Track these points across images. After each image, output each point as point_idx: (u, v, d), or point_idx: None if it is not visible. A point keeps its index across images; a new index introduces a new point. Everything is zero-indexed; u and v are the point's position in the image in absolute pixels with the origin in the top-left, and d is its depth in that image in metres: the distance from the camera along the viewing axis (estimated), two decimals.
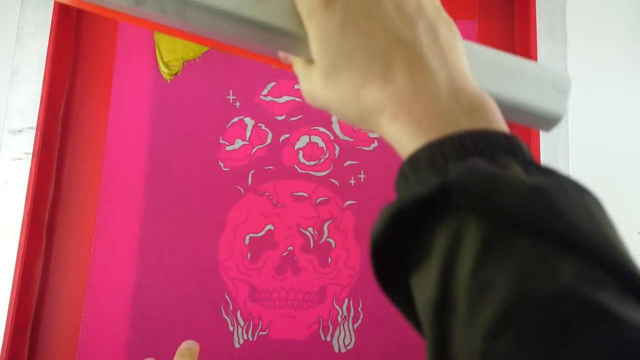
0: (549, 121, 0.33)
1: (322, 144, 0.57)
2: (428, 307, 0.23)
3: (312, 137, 0.57)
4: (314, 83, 0.29)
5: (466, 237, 0.22)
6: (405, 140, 0.25)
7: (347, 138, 0.57)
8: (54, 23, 0.55)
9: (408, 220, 0.23)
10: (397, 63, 0.26)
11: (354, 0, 0.27)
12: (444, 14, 0.28)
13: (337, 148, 0.57)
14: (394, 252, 0.24)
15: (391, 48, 0.26)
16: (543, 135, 0.54)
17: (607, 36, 0.59)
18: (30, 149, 0.53)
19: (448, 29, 0.27)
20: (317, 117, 0.58)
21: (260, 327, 0.54)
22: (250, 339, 0.54)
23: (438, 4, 0.29)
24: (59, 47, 0.56)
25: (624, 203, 0.56)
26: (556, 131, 0.54)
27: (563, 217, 0.21)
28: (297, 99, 0.58)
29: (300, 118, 0.58)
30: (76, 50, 0.59)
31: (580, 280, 0.20)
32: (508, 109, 0.32)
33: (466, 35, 0.59)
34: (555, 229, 0.21)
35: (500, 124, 0.25)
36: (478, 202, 0.22)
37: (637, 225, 0.56)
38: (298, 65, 0.30)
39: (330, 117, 0.58)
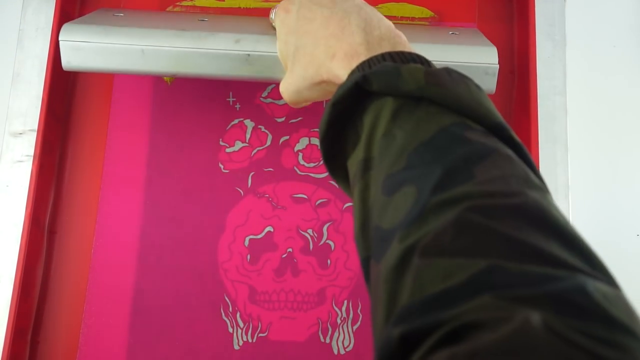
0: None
1: None
2: (357, 171, 0.30)
3: (311, 139, 0.58)
4: (286, 76, 0.40)
5: (382, 113, 0.30)
6: (343, 73, 0.34)
7: None
8: (55, 26, 0.55)
9: (345, 113, 0.32)
10: (333, 27, 0.36)
11: (303, 4, 0.39)
12: (370, 6, 0.38)
13: None
14: (338, 144, 0.33)
15: (327, 19, 0.37)
16: (542, 136, 0.54)
17: (607, 39, 0.59)
18: (31, 151, 0.53)
19: (372, 9, 0.38)
20: (317, 119, 0.58)
21: (259, 328, 0.54)
22: (250, 340, 0.54)
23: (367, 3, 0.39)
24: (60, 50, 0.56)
25: (624, 204, 0.56)
26: (555, 132, 0.54)
27: (447, 90, 0.29)
28: None
29: (300, 120, 0.58)
30: None
31: (454, 125, 0.28)
32: None
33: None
34: (441, 98, 0.29)
35: (413, 51, 0.34)
36: (388, 85, 0.30)
37: (636, 227, 0.56)
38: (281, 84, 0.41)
39: None
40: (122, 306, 0.54)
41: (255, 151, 0.57)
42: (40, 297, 0.54)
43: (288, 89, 0.40)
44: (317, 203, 0.56)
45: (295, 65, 0.39)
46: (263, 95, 0.59)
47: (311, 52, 0.37)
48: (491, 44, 0.48)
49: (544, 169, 0.53)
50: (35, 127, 0.54)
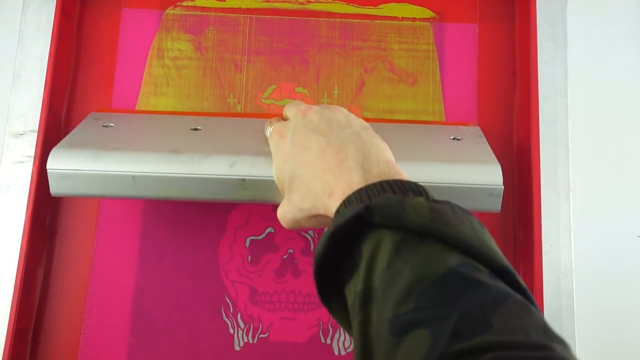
0: (488, 211, 0.45)
1: None
2: (355, 301, 0.30)
3: None
4: (284, 203, 0.40)
5: (383, 244, 0.29)
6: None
7: None
8: (55, 26, 0.55)
9: (342, 241, 0.31)
10: (329, 159, 0.36)
11: (298, 130, 0.39)
12: (370, 130, 0.39)
13: None
14: (333, 271, 0.32)
15: (323, 150, 0.37)
16: (543, 137, 0.54)
17: (608, 40, 0.59)
18: (32, 152, 0.53)
19: (371, 135, 0.38)
20: None
21: (260, 329, 0.54)
22: (251, 341, 0.54)
23: (367, 125, 0.40)
24: (61, 51, 0.56)
25: (624, 206, 0.56)
26: (556, 134, 0.54)
27: (452, 227, 0.29)
28: None
29: None
30: (78, 54, 0.59)
31: (463, 265, 0.27)
32: None
33: (467, 39, 0.59)
34: (446, 235, 0.28)
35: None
36: (392, 218, 0.29)
37: (636, 228, 0.56)
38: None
39: None
40: (122, 307, 0.54)
41: None
42: (41, 298, 0.54)
43: (285, 216, 0.40)
44: None
45: (292, 195, 0.38)
46: (264, 96, 0.59)
47: (307, 185, 0.37)
48: (495, 159, 0.46)
49: (545, 170, 0.53)
50: (36, 127, 0.54)
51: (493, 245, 0.29)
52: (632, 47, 0.59)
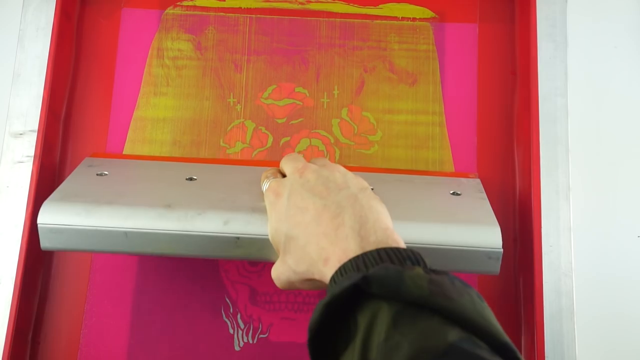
0: (487, 273, 0.44)
1: (322, 147, 0.57)
2: None
3: (312, 140, 0.58)
4: (278, 263, 0.39)
5: (380, 315, 0.29)
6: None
7: (347, 141, 0.58)
8: (55, 26, 0.55)
9: (337, 311, 0.31)
10: (325, 224, 0.35)
11: (294, 190, 0.39)
12: (368, 191, 0.39)
13: (338, 151, 0.57)
14: (327, 340, 0.31)
15: (319, 213, 0.36)
16: (543, 138, 0.54)
17: (608, 40, 0.59)
18: (32, 152, 0.53)
19: (369, 198, 0.37)
20: (318, 120, 0.58)
21: (260, 329, 0.54)
22: (251, 341, 0.54)
23: (365, 185, 0.39)
24: (61, 50, 0.56)
25: (624, 206, 0.56)
26: (556, 134, 0.54)
27: (451, 301, 0.28)
28: (297, 102, 0.58)
29: (300, 121, 0.58)
30: (78, 53, 0.59)
31: (464, 340, 0.27)
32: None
33: (467, 39, 0.59)
34: (445, 309, 0.28)
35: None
36: (390, 290, 0.29)
37: (636, 228, 0.56)
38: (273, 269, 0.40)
39: (330, 120, 0.58)
40: (122, 307, 0.54)
41: (256, 152, 0.57)
42: (40, 298, 0.54)
43: (280, 277, 0.39)
44: None
45: (287, 256, 0.38)
46: (264, 96, 0.59)
47: (303, 248, 0.36)
48: (494, 219, 0.46)
49: (545, 170, 0.53)
50: (36, 127, 0.54)
51: (493, 319, 0.29)
52: (633, 47, 0.59)
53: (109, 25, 0.60)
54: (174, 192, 0.46)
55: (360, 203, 0.36)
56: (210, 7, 0.61)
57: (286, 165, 0.43)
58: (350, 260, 0.32)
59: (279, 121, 0.58)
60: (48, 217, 0.43)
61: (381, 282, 0.29)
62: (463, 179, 0.52)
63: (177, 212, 0.43)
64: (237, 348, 0.54)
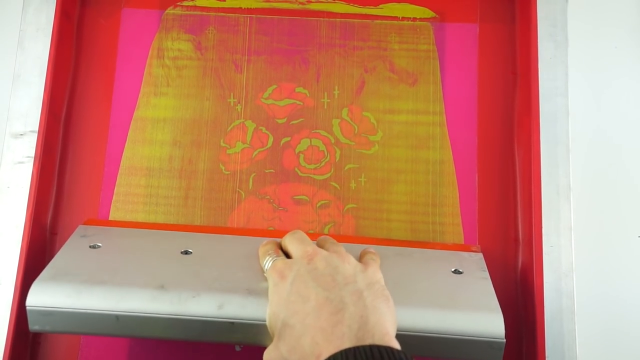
0: None
1: (322, 147, 0.57)
2: None
3: (312, 140, 0.58)
4: (271, 348, 0.38)
5: None
6: None
7: (348, 141, 0.58)
8: (55, 27, 0.55)
9: None
10: (324, 318, 0.35)
11: (300, 275, 0.38)
12: (377, 286, 0.38)
13: (338, 151, 0.57)
14: None
15: (320, 306, 0.36)
16: (544, 137, 0.54)
17: (609, 40, 0.59)
18: (32, 152, 0.53)
19: (375, 296, 0.37)
20: (318, 120, 0.58)
21: None
22: None
23: (375, 279, 0.39)
24: (61, 51, 0.56)
25: (625, 206, 0.56)
26: (557, 134, 0.54)
27: None
28: (298, 102, 0.58)
29: (301, 121, 0.58)
30: (78, 54, 0.59)
31: None
32: None
33: (467, 39, 0.59)
34: None
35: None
36: None
37: (637, 228, 0.56)
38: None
39: (331, 120, 0.58)
40: None
41: (256, 152, 0.57)
42: None
43: None
44: (318, 205, 0.56)
45: (281, 343, 0.37)
46: (264, 96, 0.59)
47: (298, 338, 0.36)
48: (497, 305, 0.44)
49: (545, 170, 0.53)
50: (36, 128, 0.54)
51: None
52: (633, 47, 0.59)
53: (109, 25, 0.60)
54: (168, 269, 0.45)
55: (364, 302, 0.36)
56: (210, 7, 0.60)
57: (293, 245, 0.43)
58: (341, 352, 0.32)
59: (280, 121, 0.58)
60: (37, 299, 0.42)
61: None
62: (465, 254, 0.51)
63: (171, 294, 0.42)
64: (237, 348, 0.54)
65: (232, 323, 0.42)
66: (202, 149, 0.57)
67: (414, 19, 0.60)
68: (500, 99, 0.58)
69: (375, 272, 0.40)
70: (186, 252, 0.48)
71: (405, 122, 0.58)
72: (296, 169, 0.57)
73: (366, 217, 0.56)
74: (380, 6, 0.60)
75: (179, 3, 0.61)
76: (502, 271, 0.54)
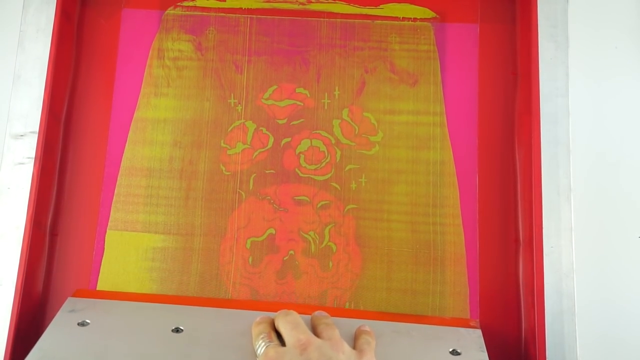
0: None
1: (323, 147, 0.57)
2: None
3: (313, 140, 0.58)
4: None
5: None
6: None
7: (348, 142, 0.58)
8: (55, 27, 0.55)
9: None
10: None
11: None
12: None
13: (339, 152, 0.57)
14: None
15: None
16: (544, 138, 0.54)
17: (609, 40, 0.59)
18: (33, 153, 0.53)
19: None
20: (319, 121, 0.58)
21: None
22: None
23: None
24: (61, 52, 0.56)
25: (625, 206, 0.56)
26: (557, 134, 0.54)
27: None
28: (298, 103, 0.58)
29: (301, 122, 0.58)
30: (78, 54, 0.59)
31: None
32: None
33: (468, 39, 0.59)
34: None
35: None
36: None
37: (637, 228, 0.56)
38: None
39: (331, 121, 0.58)
40: None
41: (256, 153, 0.57)
42: (41, 300, 0.54)
43: None
44: (318, 205, 0.56)
45: None
46: (265, 97, 0.59)
47: None
48: None
49: (546, 171, 0.53)
50: (36, 129, 0.54)
51: None
52: (633, 47, 0.59)
53: (110, 26, 0.60)
54: (158, 350, 0.45)
55: None
56: (210, 8, 0.60)
57: (286, 330, 0.42)
58: None
59: (280, 122, 0.58)
60: None
61: None
62: (463, 330, 0.50)
63: None
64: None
65: None
66: (203, 150, 0.57)
67: (415, 19, 0.60)
68: (501, 100, 0.58)
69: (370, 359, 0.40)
70: (177, 330, 0.47)
71: (406, 123, 0.58)
72: (297, 170, 0.57)
73: (367, 218, 0.56)
74: (381, 6, 0.60)
75: (179, 3, 0.61)
76: (503, 272, 0.54)
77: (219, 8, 0.60)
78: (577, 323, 0.50)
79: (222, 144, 0.57)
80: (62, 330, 0.47)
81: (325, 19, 0.60)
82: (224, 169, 0.57)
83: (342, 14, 0.60)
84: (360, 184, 0.57)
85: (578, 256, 0.52)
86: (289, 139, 0.58)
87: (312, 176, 0.57)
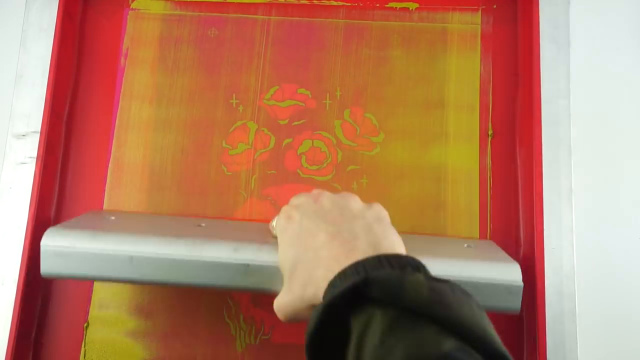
0: (508, 310, 0.44)
1: (324, 148, 0.57)
2: None
3: (314, 141, 0.58)
4: (283, 294, 0.38)
5: (376, 320, 0.29)
6: None
7: (349, 143, 0.58)
8: (58, 27, 0.55)
9: (335, 315, 0.30)
10: (336, 248, 0.35)
11: (307, 214, 0.38)
12: (386, 220, 0.38)
13: (340, 153, 0.57)
14: (326, 346, 0.31)
15: (331, 239, 0.36)
16: (545, 140, 0.54)
17: (611, 42, 0.59)
18: (35, 153, 0.53)
19: (384, 228, 0.37)
20: (320, 121, 0.58)
21: (262, 331, 0.54)
22: (253, 342, 0.54)
23: (382, 215, 0.39)
24: (63, 51, 0.56)
25: (627, 208, 0.56)
26: (559, 136, 0.54)
27: (450, 310, 0.28)
28: (300, 104, 0.58)
29: (303, 123, 0.58)
30: (80, 54, 0.59)
31: (459, 351, 0.26)
32: None
33: (468, 40, 0.59)
34: (443, 317, 0.28)
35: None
36: (389, 294, 0.29)
37: (638, 230, 0.56)
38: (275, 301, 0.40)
39: (332, 121, 0.58)
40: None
41: (258, 153, 0.57)
42: (43, 299, 0.54)
43: (285, 309, 0.38)
44: None
45: (293, 282, 0.37)
46: (266, 97, 0.59)
47: (310, 272, 0.35)
48: (512, 259, 0.46)
49: (547, 172, 0.53)
50: (39, 128, 0.54)
51: (491, 330, 0.29)
52: (635, 48, 0.59)
53: (112, 26, 0.60)
54: (183, 230, 0.46)
55: (374, 232, 0.36)
56: (212, 9, 0.60)
57: (296, 198, 0.43)
58: (350, 266, 0.32)
59: (282, 122, 0.58)
60: (52, 239, 0.42)
61: (382, 286, 0.29)
62: (475, 240, 0.53)
63: (186, 239, 0.43)
64: (239, 349, 0.54)
65: (248, 265, 0.42)
66: (204, 150, 0.57)
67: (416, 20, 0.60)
68: (502, 101, 0.58)
69: (381, 209, 0.40)
70: (199, 225, 0.49)
71: (407, 124, 0.58)
72: (298, 170, 0.57)
73: None
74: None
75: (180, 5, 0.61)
76: None
77: (221, 9, 0.60)
78: (578, 324, 0.50)
79: (224, 145, 0.58)
80: (88, 218, 0.49)
81: (327, 20, 0.60)
82: (225, 169, 0.57)
83: (343, 14, 0.60)
84: (362, 185, 0.57)
85: (579, 257, 0.52)
86: (290, 140, 0.58)
87: (313, 177, 0.57)
